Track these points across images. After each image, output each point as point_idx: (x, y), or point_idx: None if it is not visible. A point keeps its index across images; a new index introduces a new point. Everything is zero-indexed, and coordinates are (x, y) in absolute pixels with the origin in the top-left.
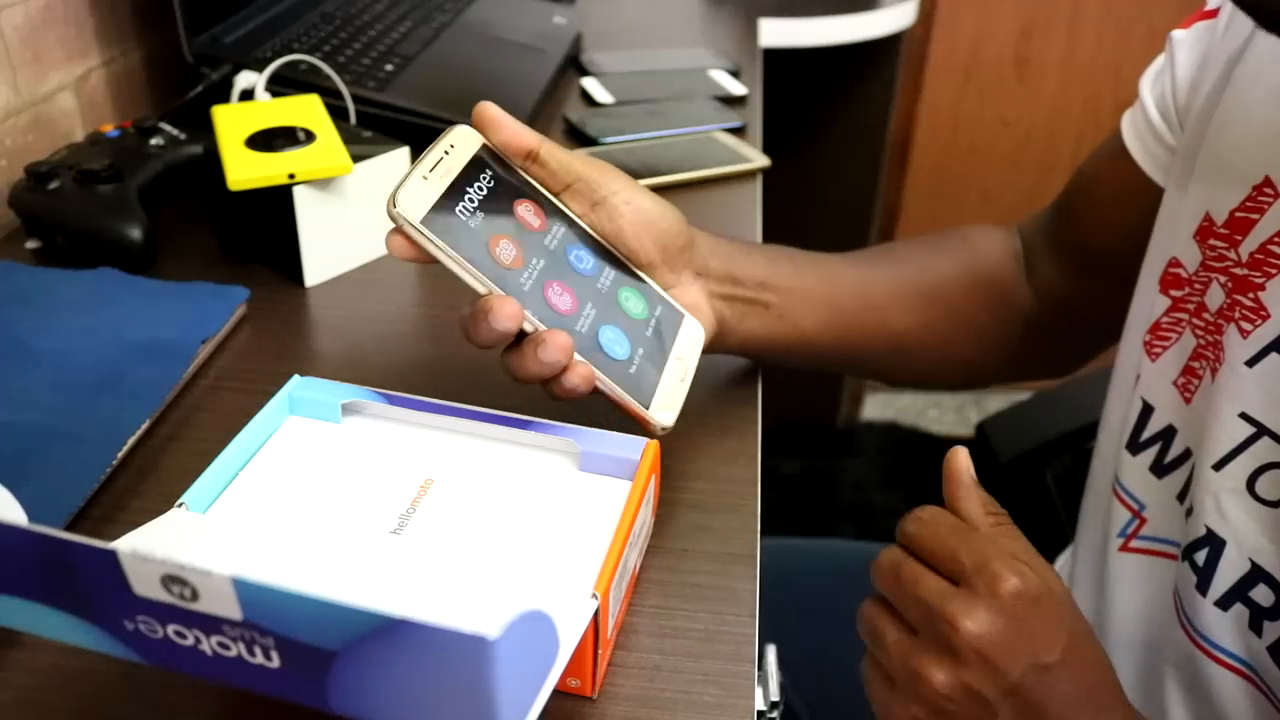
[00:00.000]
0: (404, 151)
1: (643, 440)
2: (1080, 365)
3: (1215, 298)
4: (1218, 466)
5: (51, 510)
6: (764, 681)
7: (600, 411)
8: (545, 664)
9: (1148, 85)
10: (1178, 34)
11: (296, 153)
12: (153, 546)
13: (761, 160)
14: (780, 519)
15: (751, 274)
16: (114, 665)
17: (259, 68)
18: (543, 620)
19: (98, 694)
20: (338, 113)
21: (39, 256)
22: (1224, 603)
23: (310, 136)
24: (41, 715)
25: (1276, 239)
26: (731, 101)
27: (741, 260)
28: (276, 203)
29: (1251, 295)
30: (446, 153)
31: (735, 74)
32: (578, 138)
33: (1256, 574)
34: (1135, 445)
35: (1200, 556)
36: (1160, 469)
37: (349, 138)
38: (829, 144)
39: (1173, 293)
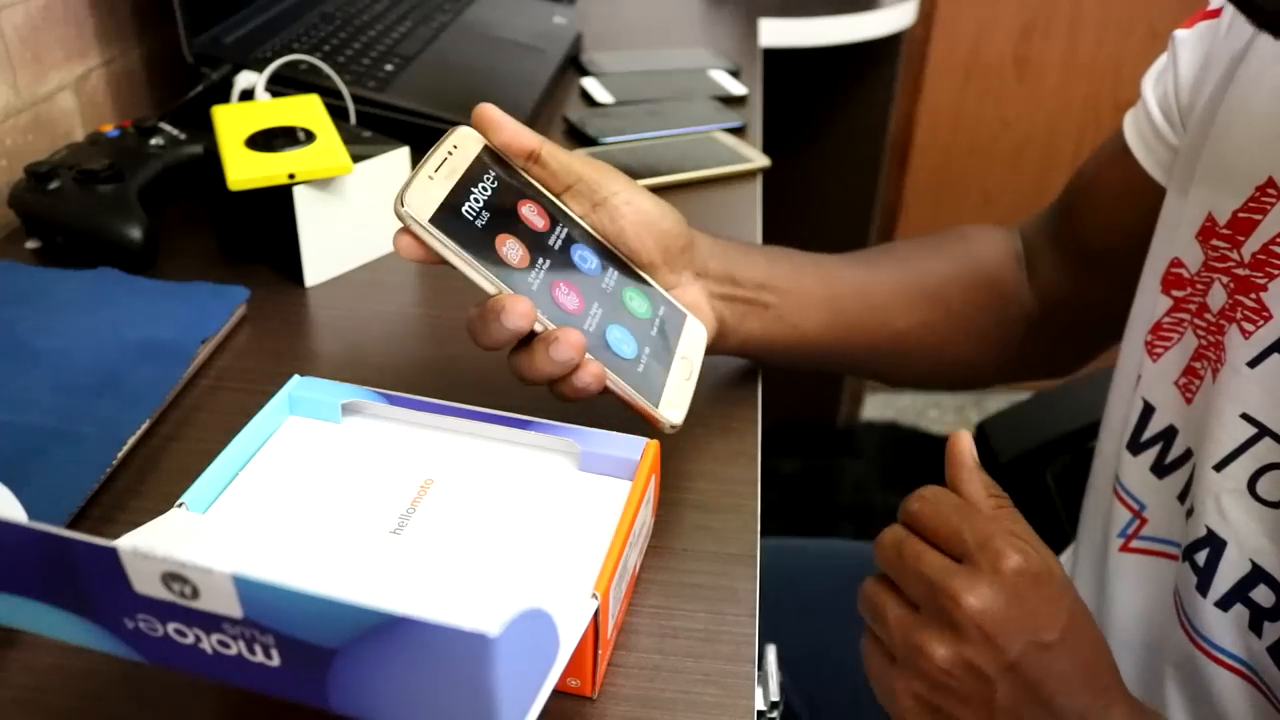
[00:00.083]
0: (404, 151)
1: (643, 440)
2: (1081, 366)
3: (1217, 298)
4: (1219, 467)
5: (52, 510)
6: (764, 681)
7: (600, 411)
8: (545, 663)
9: (1150, 85)
10: (1180, 33)
11: (296, 153)
12: (153, 545)
13: (761, 160)
14: (780, 519)
15: (751, 275)
16: (114, 665)
17: (259, 68)
18: (543, 619)
19: (98, 694)
20: (338, 113)
21: (39, 256)
22: (1224, 603)
23: (310, 136)
24: (41, 715)
25: (1279, 239)
26: (731, 101)
27: (741, 261)
28: (276, 203)
29: (1254, 296)
30: (450, 153)
31: (735, 74)
32: (578, 138)
33: (1257, 574)
34: (1136, 445)
35: (1201, 557)
36: (1161, 469)
37: (349, 138)
38: (829, 144)
39: (1174, 293)
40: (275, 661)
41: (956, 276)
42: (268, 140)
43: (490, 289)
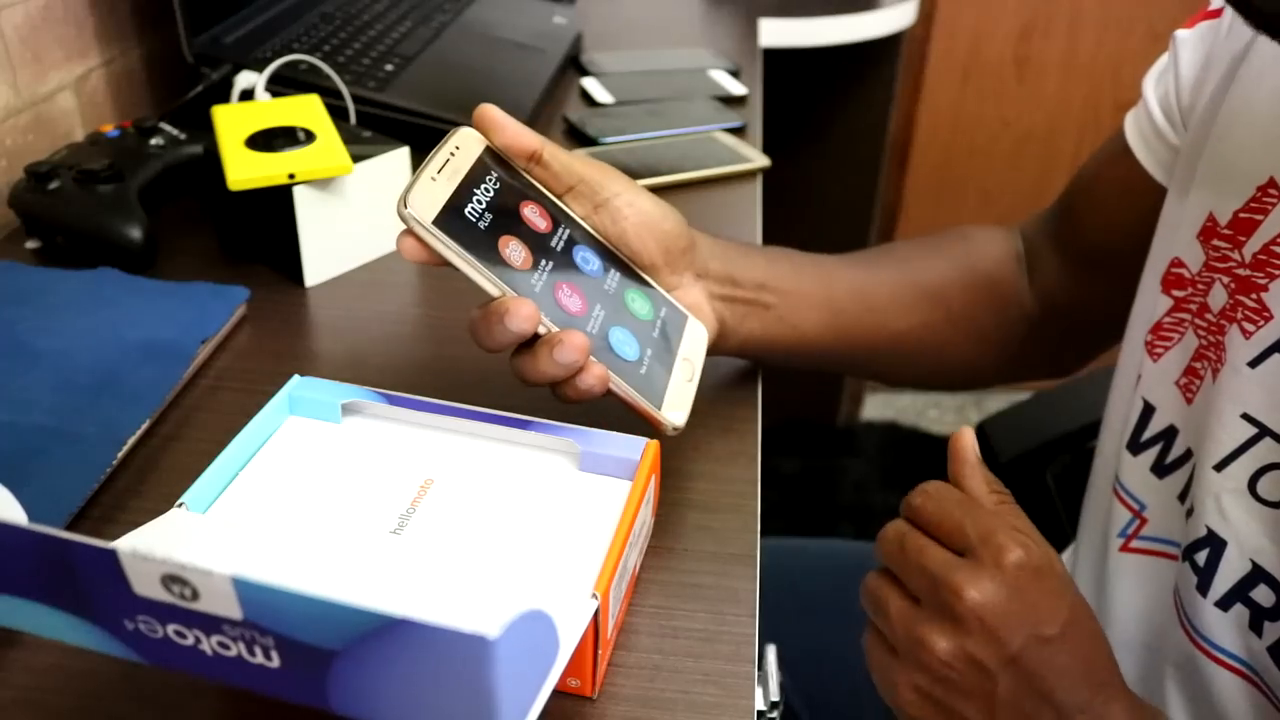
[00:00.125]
0: (404, 152)
1: (643, 440)
2: (1081, 365)
3: (1218, 298)
4: (1219, 467)
5: (52, 510)
6: (764, 681)
7: (600, 412)
8: (545, 664)
9: (1151, 85)
10: (1181, 33)
11: (296, 153)
12: (153, 546)
13: (761, 160)
14: (780, 519)
15: (751, 275)
16: (114, 665)
17: (259, 68)
18: (543, 620)
19: (98, 694)
20: (338, 113)
21: (39, 256)
22: (1224, 603)
23: (310, 136)
24: (42, 715)
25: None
26: (731, 101)
27: (741, 262)
28: (276, 203)
29: (1254, 296)
30: (452, 154)
31: (735, 74)
32: (578, 138)
33: (1257, 574)
34: (1136, 445)
35: (1201, 557)
36: (1161, 469)
37: (349, 138)
38: (829, 144)
39: (1175, 293)
40: (275, 663)
41: (957, 277)
42: (268, 140)
43: (493, 291)
